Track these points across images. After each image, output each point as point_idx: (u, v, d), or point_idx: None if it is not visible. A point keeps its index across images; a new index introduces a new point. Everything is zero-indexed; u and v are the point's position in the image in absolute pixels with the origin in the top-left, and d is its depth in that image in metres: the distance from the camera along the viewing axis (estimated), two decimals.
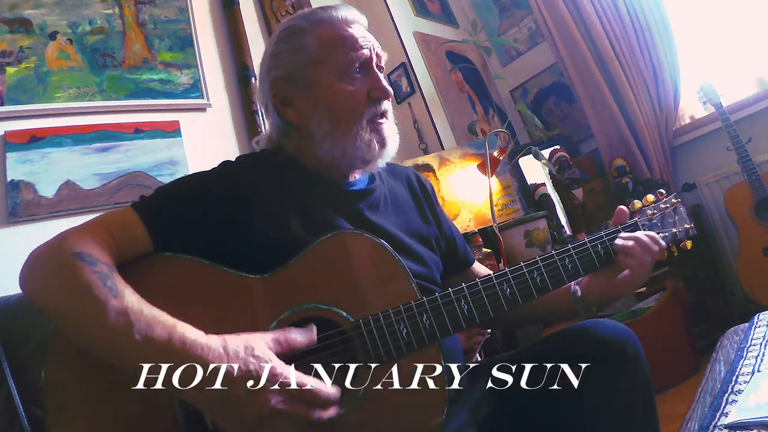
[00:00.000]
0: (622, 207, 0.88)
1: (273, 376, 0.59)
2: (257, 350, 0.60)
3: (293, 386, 0.59)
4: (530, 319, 1.01)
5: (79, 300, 0.60)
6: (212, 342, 0.60)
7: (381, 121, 0.85)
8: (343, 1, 2.60)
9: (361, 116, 0.82)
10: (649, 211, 0.88)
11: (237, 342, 0.61)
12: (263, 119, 2.02)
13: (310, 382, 0.61)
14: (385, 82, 0.84)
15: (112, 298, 0.60)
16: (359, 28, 0.85)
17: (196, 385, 0.58)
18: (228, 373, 0.58)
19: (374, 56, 0.85)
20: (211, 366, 0.58)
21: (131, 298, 0.61)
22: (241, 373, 0.58)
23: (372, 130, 0.83)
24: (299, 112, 0.85)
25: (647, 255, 0.81)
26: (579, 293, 0.87)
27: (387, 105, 0.86)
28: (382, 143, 0.84)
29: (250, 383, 0.58)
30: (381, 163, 0.87)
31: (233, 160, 0.86)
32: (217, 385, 0.57)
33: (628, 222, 0.87)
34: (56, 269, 0.64)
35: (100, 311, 0.59)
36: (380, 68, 0.86)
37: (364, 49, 0.83)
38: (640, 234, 0.83)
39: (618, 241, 0.83)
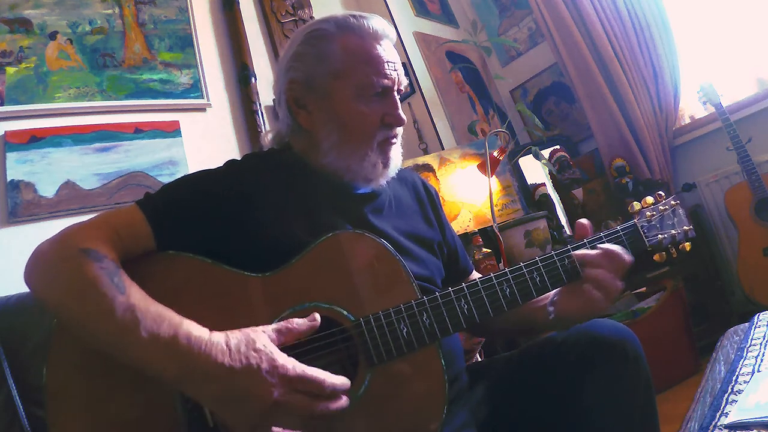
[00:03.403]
0: (580, 221, 0.84)
1: (273, 368, 0.59)
2: (258, 343, 0.61)
3: (294, 377, 0.59)
4: (512, 331, 0.99)
5: (87, 296, 0.61)
6: (215, 338, 0.60)
7: (393, 142, 0.85)
8: (343, 3, 2.60)
9: (372, 138, 0.82)
10: (648, 213, 0.88)
11: (239, 336, 0.61)
12: (263, 119, 2.02)
13: (312, 372, 0.60)
14: (401, 110, 0.84)
15: (119, 294, 0.60)
16: (388, 45, 0.84)
17: (200, 381, 0.58)
18: (230, 368, 0.58)
19: (396, 84, 0.83)
20: (212, 362, 0.58)
21: (137, 295, 0.62)
22: (242, 367, 0.58)
23: (380, 153, 0.84)
24: (311, 117, 0.84)
25: (605, 259, 0.77)
26: (552, 316, 0.82)
27: (398, 129, 0.86)
28: (386, 165, 0.85)
29: (251, 377, 0.58)
30: (382, 182, 0.87)
31: (239, 159, 0.86)
32: (221, 381, 0.58)
33: (628, 223, 0.86)
34: (63, 265, 0.64)
35: (108, 308, 0.59)
36: (399, 92, 0.85)
37: (388, 78, 0.81)
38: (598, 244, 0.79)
39: (577, 252, 0.79)
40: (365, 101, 0.81)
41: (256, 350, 0.60)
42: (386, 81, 0.81)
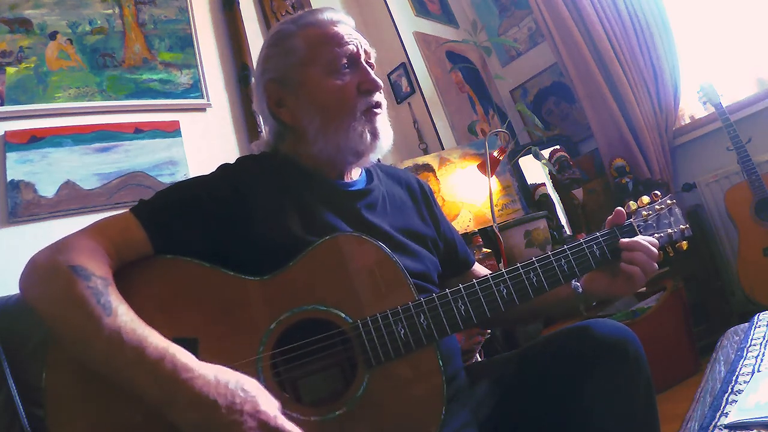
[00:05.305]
0: (620, 208, 0.87)
1: (255, 413, 0.59)
2: (247, 385, 0.61)
3: (273, 427, 0.59)
4: (529, 316, 1.02)
5: (73, 317, 0.61)
6: (204, 369, 0.60)
7: (376, 111, 0.85)
8: (345, 1, 2.61)
9: (354, 108, 0.83)
10: (645, 212, 0.88)
11: (230, 374, 0.61)
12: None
13: (290, 427, 0.60)
14: (374, 75, 0.85)
15: (105, 316, 0.60)
16: (345, 27, 0.87)
17: (182, 408, 0.58)
18: (213, 401, 0.58)
19: (362, 52, 0.86)
20: (197, 392, 0.58)
21: (124, 317, 0.61)
22: (225, 403, 0.58)
23: (366, 121, 0.84)
24: (292, 112, 0.86)
25: (645, 255, 0.81)
26: (580, 290, 0.87)
27: (380, 97, 0.86)
28: (374, 134, 0.84)
29: (232, 415, 0.58)
30: (374, 157, 0.88)
31: (232, 162, 0.87)
32: (202, 411, 0.58)
33: (624, 223, 0.87)
34: (53, 282, 0.64)
35: (93, 330, 0.59)
36: (370, 65, 0.87)
37: (350, 44, 0.84)
38: (639, 238, 0.83)
39: (623, 240, 0.83)
40: (337, 75, 0.83)
41: (243, 390, 0.60)
42: (349, 47, 0.84)
